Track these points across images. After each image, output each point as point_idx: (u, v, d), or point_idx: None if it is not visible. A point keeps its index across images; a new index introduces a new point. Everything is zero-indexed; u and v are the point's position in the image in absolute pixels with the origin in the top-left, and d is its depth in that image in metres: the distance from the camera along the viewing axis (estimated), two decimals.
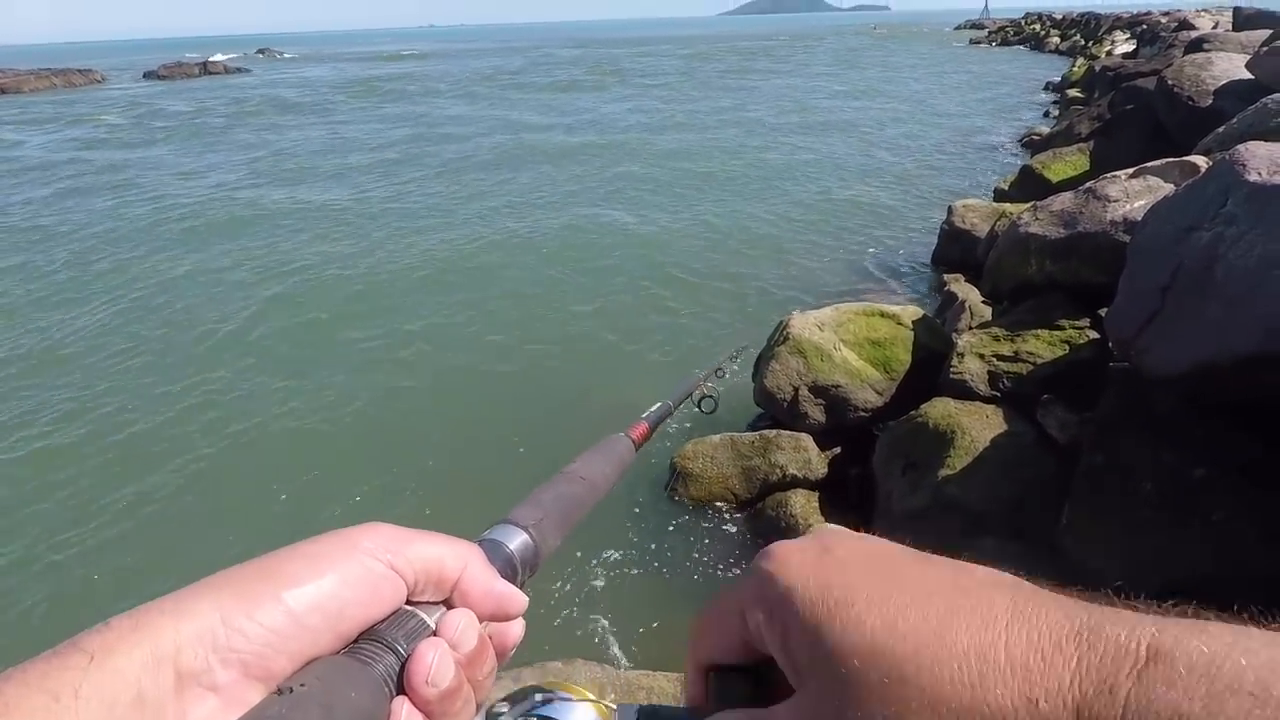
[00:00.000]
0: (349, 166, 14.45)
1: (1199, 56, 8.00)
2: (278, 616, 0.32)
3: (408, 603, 0.37)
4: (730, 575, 3.69)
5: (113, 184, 13.50)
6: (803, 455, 4.14)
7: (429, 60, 53.97)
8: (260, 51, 76.05)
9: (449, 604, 0.39)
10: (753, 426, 4.59)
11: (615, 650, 3.22)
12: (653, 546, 3.91)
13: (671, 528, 4.01)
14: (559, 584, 3.66)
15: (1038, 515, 2.86)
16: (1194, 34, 13.17)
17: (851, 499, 4.01)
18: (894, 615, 0.30)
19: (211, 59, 50.74)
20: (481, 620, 0.39)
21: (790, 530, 3.80)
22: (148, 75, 46.51)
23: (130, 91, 36.23)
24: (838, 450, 4.25)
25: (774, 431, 4.27)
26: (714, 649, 0.38)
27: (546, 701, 0.48)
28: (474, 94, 28.09)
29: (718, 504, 4.13)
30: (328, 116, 22.77)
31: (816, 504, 3.93)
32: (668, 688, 2.75)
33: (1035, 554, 2.71)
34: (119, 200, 12.21)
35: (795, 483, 4.09)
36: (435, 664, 0.34)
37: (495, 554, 0.43)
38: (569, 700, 0.49)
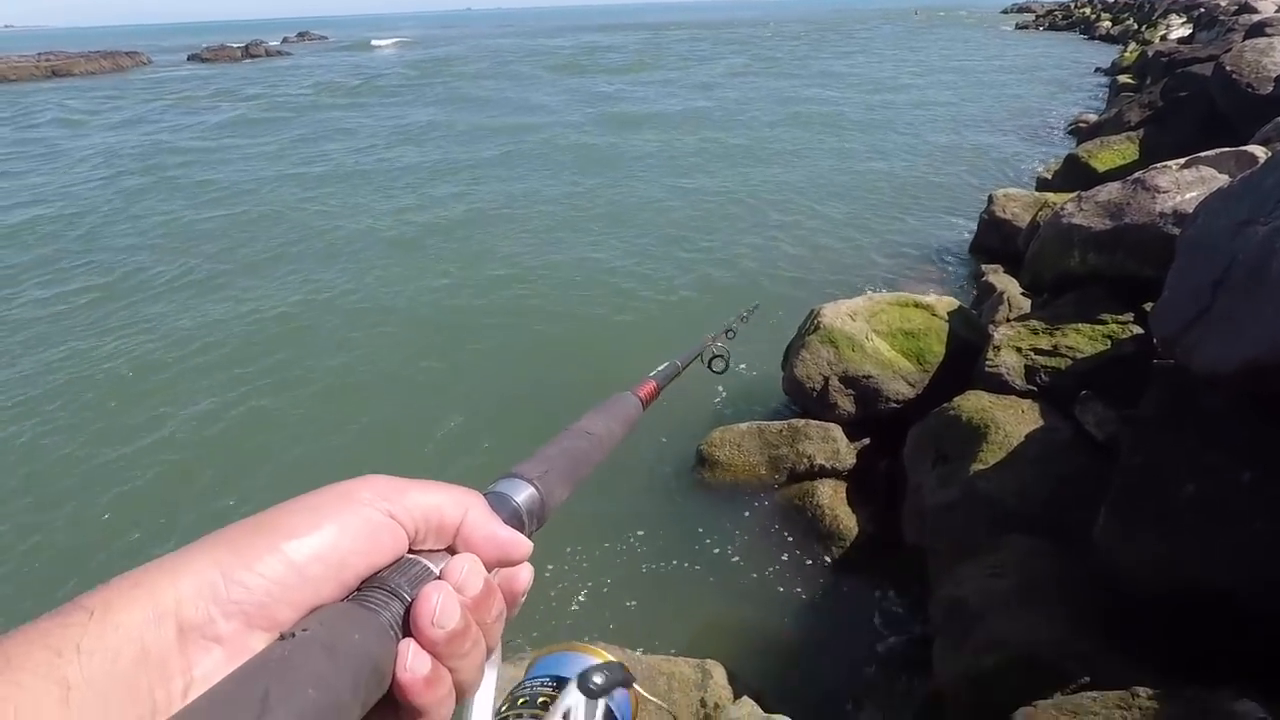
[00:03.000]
0: (359, 146, 14.60)
1: (1260, 41, 7.64)
2: (278, 567, 0.32)
3: (410, 551, 0.37)
4: (754, 563, 3.67)
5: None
6: (831, 445, 4.10)
7: (479, 41, 54.15)
8: (300, 35, 76.92)
9: (452, 551, 0.39)
10: (781, 416, 4.55)
11: (637, 635, 3.24)
12: (676, 533, 3.91)
13: (696, 515, 4.01)
14: (581, 566, 3.69)
15: (1072, 514, 2.78)
16: (1256, 18, 12.59)
17: (880, 491, 3.96)
18: None
19: (254, 43, 51.51)
20: (488, 566, 0.39)
21: (816, 523, 3.77)
22: (192, 58, 47.43)
23: (187, 72, 37.02)
24: (867, 441, 4.20)
25: (803, 421, 4.23)
26: None
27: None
28: (525, 75, 28.10)
29: (744, 492, 4.11)
30: (373, 101, 22.97)
31: (844, 495, 3.89)
32: (689, 673, 2.76)
33: (1069, 554, 2.64)
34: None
35: (823, 473, 4.05)
36: (440, 605, 0.34)
37: (501, 505, 0.44)
38: (581, 655, 0.50)
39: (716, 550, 3.79)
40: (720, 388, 4.99)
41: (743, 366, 5.21)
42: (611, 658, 0.51)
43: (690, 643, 3.18)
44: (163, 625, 0.29)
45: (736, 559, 3.73)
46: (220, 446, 4.85)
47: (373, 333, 6.37)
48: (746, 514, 3.98)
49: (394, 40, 62.15)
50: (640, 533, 3.92)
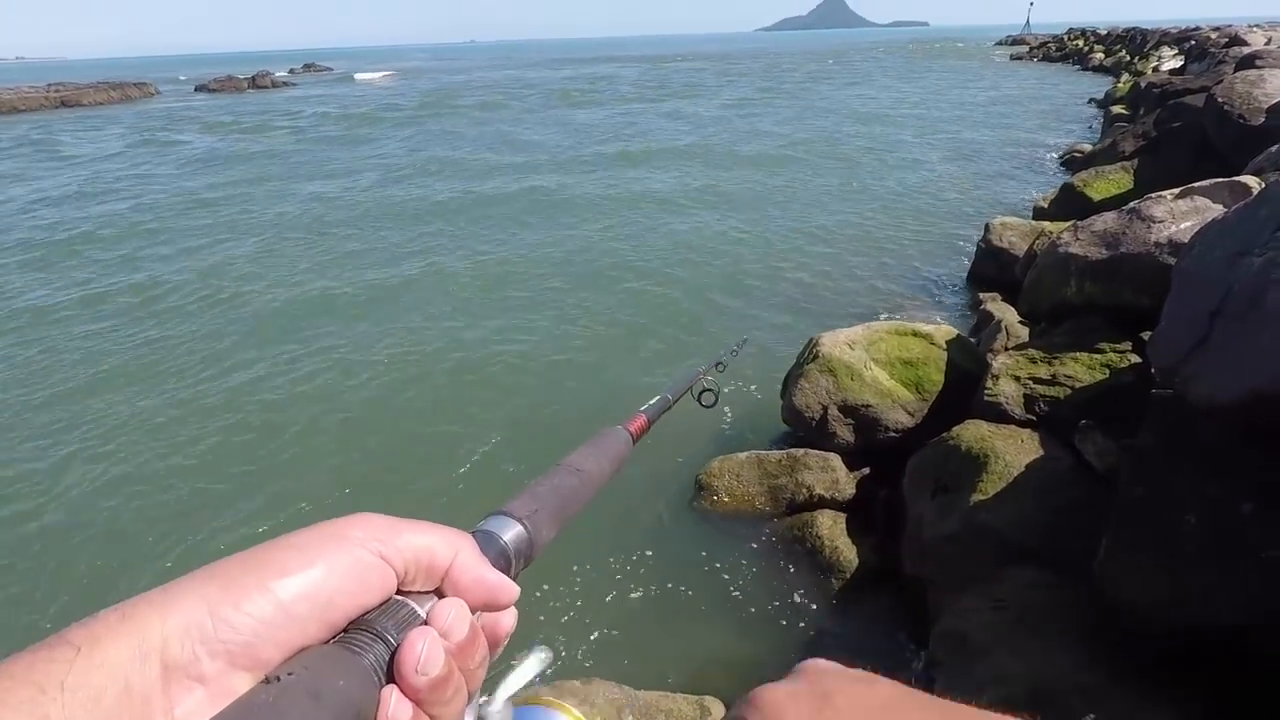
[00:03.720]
0: (341, 178, 14.76)
1: (1251, 73, 7.76)
2: (265, 606, 0.32)
3: (398, 592, 0.37)
4: (753, 595, 3.63)
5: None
6: (830, 475, 4.08)
7: (481, 73, 55.03)
8: (306, 67, 78.16)
9: (440, 593, 0.39)
10: (780, 445, 4.53)
11: (633, 669, 3.18)
12: (675, 565, 3.87)
13: (695, 546, 3.97)
14: (578, 600, 3.64)
15: (1073, 545, 2.76)
16: (1245, 50, 12.82)
17: (880, 521, 3.93)
18: None
19: (260, 74, 52.40)
20: (473, 610, 0.39)
21: (816, 554, 3.73)
22: (199, 88, 48.20)
23: (196, 102, 37.60)
24: (866, 471, 4.18)
25: (802, 451, 4.21)
26: None
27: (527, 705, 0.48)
28: (526, 108, 28.51)
29: (743, 522, 4.07)
30: (370, 134, 23.26)
31: (844, 526, 3.86)
32: (687, 710, 2.71)
33: (1070, 586, 2.61)
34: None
35: (822, 503, 4.02)
36: (425, 652, 0.34)
37: (489, 545, 0.43)
38: (552, 712, 0.49)
39: (715, 582, 3.75)
40: (720, 416, 4.98)
41: (747, 391, 5.21)
42: (579, 715, 0.50)
43: (688, 678, 3.13)
44: (147, 663, 0.29)
45: (735, 591, 3.68)
46: (210, 478, 4.82)
47: (365, 368, 6.35)
48: (745, 545, 3.94)
49: (382, 74, 61.21)
50: (637, 563, 3.88)
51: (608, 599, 3.66)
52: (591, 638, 3.44)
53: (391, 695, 0.33)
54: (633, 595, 3.70)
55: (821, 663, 0.39)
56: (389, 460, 4.97)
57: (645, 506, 4.25)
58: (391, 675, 0.34)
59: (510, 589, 0.41)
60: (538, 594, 3.59)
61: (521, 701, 0.50)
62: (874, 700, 0.34)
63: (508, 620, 0.42)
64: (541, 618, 3.49)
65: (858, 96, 28.04)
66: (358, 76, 59.72)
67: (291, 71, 71.35)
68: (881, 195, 11.79)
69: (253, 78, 50.79)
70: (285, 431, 5.34)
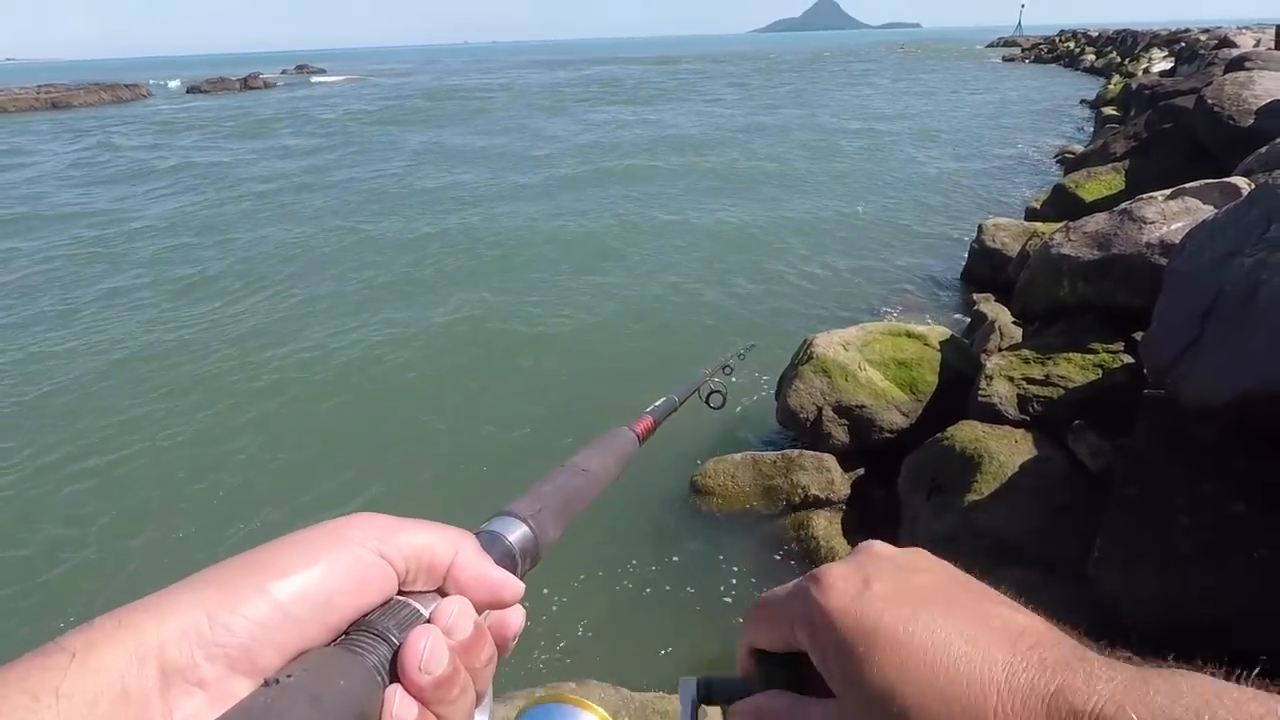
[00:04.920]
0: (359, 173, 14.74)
1: (1240, 75, 7.81)
2: (263, 608, 0.31)
3: (400, 592, 0.36)
4: (749, 597, 3.63)
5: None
6: (825, 476, 4.08)
7: (477, 75, 54.98)
8: (299, 68, 77.97)
9: (443, 592, 0.38)
10: (775, 446, 4.54)
11: (629, 671, 3.18)
12: (671, 566, 3.87)
13: (690, 547, 3.97)
14: (572, 601, 3.63)
15: (1068, 545, 2.77)
16: (1235, 52, 12.89)
17: (875, 522, 3.93)
18: (910, 666, 0.34)
19: (252, 75, 52.27)
20: (478, 608, 0.38)
21: (812, 554, 3.74)
22: (191, 90, 48.03)
23: (186, 104, 37.45)
24: (861, 472, 4.19)
25: (797, 451, 4.22)
26: (762, 639, 0.43)
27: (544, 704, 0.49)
28: (537, 107, 28.50)
29: (738, 524, 4.07)
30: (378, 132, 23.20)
31: (839, 526, 3.86)
32: None
33: (1065, 586, 2.62)
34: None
35: (818, 503, 4.03)
36: (428, 650, 0.33)
37: (494, 545, 0.43)
38: (575, 710, 0.49)
39: (710, 583, 3.75)
40: (715, 418, 4.97)
41: (742, 392, 5.21)
42: (604, 714, 0.50)
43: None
44: (145, 667, 0.28)
45: (731, 591, 3.68)
46: (215, 479, 4.81)
47: (370, 369, 6.34)
48: (741, 546, 3.95)
49: (343, 78, 60.01)
50: (633, 565, 3.88)
51: (601, 599, 3.66)
52: (586, 638, 3.43)
53: (396, 695, 0.33)
54: (627, 596, 3.70)
55: (876, 545, 0.42)
56: (391, 464, 4.95)
57: (640, 507, 4.25)
58: (395, 675, 0.33)
59: (514, 585, 0.40)
60: (536, 597, 3.58)
61: (547, 699, 0.49)
62: (906, 584, 0.38)
63: (515, 619, 0.42)
64: (535, 617, 3.49)
65: (855, 97, 28.14)
66: (315, 80, 59.32)
67: (284, 73, 71.17)
68: (876, 197, 11.82)
69: (245, 79, 50.67)
70: (288, 435, 5.33)
